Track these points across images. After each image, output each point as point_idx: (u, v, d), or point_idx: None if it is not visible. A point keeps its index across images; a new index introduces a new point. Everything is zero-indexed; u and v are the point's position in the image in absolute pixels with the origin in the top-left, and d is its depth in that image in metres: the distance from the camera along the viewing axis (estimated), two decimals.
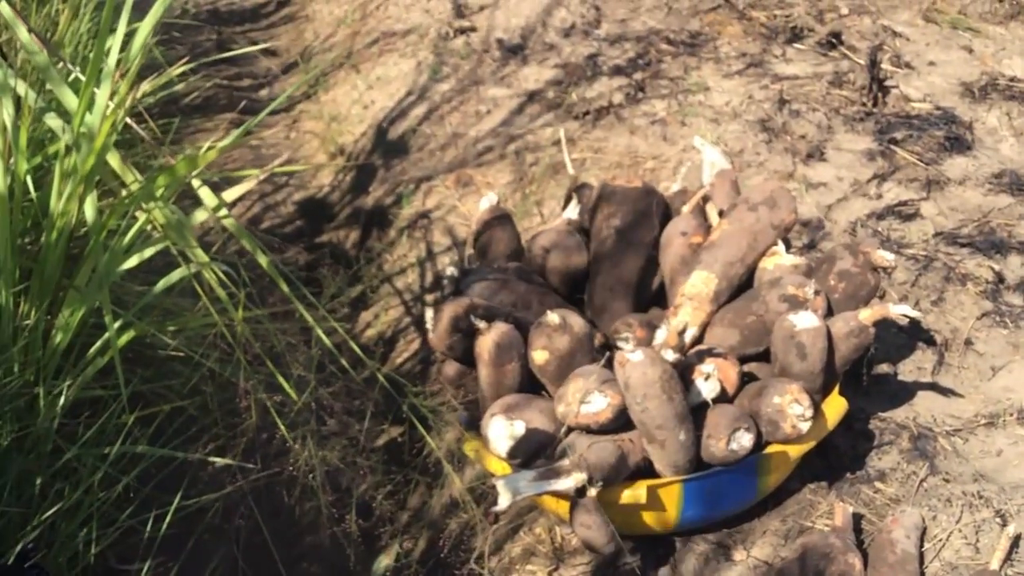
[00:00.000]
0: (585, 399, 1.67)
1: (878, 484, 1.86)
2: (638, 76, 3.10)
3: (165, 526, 1.68)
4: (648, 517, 1.76)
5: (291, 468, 1.76)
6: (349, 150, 3.17)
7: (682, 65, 3.16)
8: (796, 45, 3.28)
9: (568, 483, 1.63)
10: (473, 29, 3.44)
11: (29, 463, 1.66)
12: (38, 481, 1.65)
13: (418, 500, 1.97)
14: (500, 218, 2.11)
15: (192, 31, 3.68)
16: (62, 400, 1.67)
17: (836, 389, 1.81)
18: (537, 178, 2.78)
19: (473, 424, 1.85)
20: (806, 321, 1.72)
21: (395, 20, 3.59)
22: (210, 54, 3.28)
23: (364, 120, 3.23)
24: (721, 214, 1.98)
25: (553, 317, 1.75)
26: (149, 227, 1.73)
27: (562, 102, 3.06)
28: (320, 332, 1.69)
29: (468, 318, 1.78)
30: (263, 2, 4.06)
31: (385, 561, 2.01)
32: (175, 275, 1.67)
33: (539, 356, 1.77)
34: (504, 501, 1.60)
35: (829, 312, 1.83)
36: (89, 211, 1.67)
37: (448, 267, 1.96)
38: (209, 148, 1.69)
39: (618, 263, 1.99)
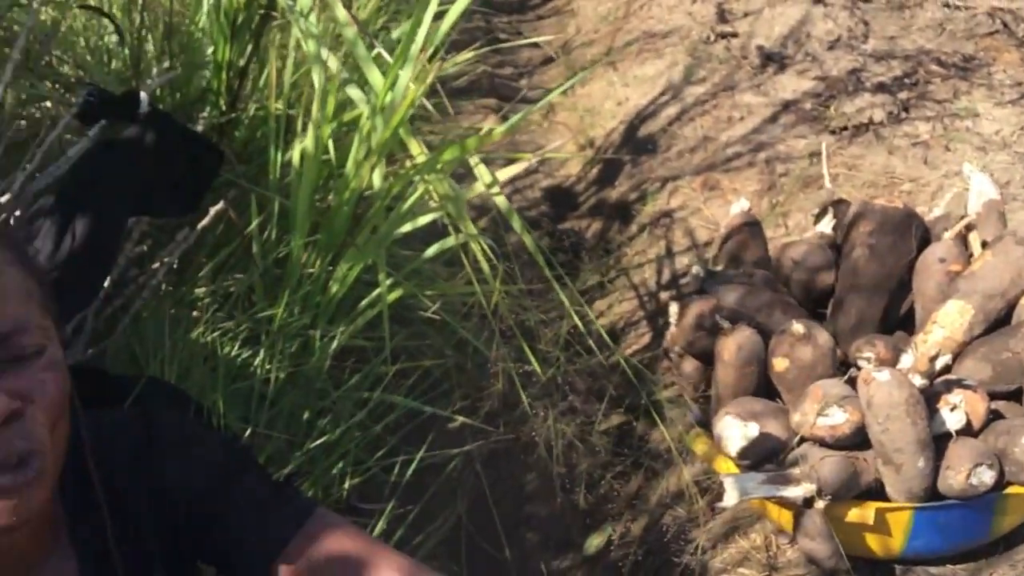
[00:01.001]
0: (824, 411, 1.68)
1: None
2: (903, 95, 3.02)
3: (409, 473, 1.82)
4: (872, 540, 1.75)
5: (535, 435, 1.86)
6: (599, 143, 3.26)
7: (951, 88, 3.05)
8: None
9: (797, 492, 1.65)
10: (734, 34, 3.44)
11: (299, 398, 1.84)
12: (305, 416, 1.83)
13: (639, 487, 2.03)
14: (750, 224, 2.13)
15: (463, 16, 3.87)
16: (334, 344, 1.84)
17: None
18: (786, 189, 2.77)
19: (704, 421, 1.89)
20: None
21: (657, 20, 3.65)
22: (479, 40, 3.45)
23: (616, 116, 3.30)
24: (984, 245, 1.93)
25: (798, 327, 1.77)
26: (426, 197, 1.87)
27: (818, 115, 3.03)
28: (572, 313, 1.78)
29: (713, 317, 1.83)
30: None
31: (597, 540, 2.08)
32: (448, 242, 1.81)
33: (780, 363, 1.79)
34: (731, 499, 1.63)
35: None
36: (377, 177, 1.83)
37: (694, 266, 2.01)
38: (489, 130, 1.81)
39: (868, 283, 1.97)
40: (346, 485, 1.78)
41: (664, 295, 2.57)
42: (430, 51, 1.67)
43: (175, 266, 1.82)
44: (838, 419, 1.68)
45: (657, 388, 1.95)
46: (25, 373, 0.91)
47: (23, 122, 1.96)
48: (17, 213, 1.60)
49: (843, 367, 1.86)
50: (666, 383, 2.14)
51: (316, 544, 1.07)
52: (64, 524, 1.07)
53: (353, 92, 1.82)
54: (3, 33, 1.80)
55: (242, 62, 2.05)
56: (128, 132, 1.61)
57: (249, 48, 2.05)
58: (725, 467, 1.80)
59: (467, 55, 1.98)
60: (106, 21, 2.18)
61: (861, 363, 1.85)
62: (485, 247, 1.77)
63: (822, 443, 1.70)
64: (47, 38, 1.95)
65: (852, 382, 1.71)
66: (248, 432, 1.72)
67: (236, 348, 1.77)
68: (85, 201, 1.53)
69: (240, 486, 1.13)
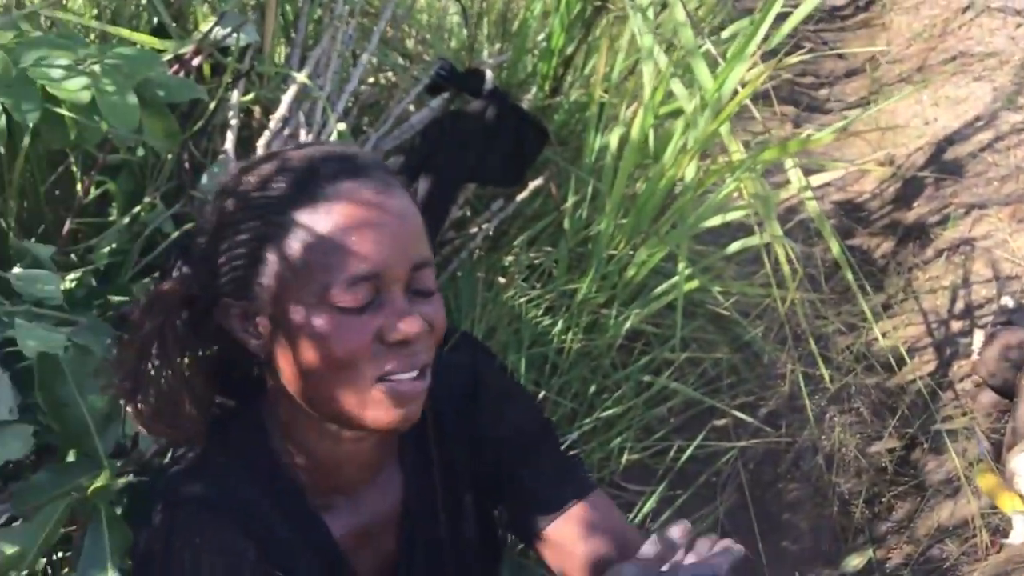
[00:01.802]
0: None
1: None
2: None
3: (682, 461, 1.88)
4: None
5: (824, 440, 1.86)
6: (899, 162, 3.16)
7: None
8: None
9: None
10: None
11: (587, 372, 1.94)
12: (591, 390, 1.92)
13: (913, 512, 1.99)
14: None
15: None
16: (626, 325, 1.92)
17: None
18: None
19: (993, 456, 1.83)
20: None
21: (976, 42, 3.48)
22: (785, 47, 3.42)
23: (922, 136, 3.19)
24: None
25: None
26: (735, 194, 1.91)
27: None
28: (875, 326, 1.77)
29: (1021, 351, 1.76)
30: (842, 4, 4.11)
31: (855, 561, 2.05)
32: (751, 241, 1.84)
33: None
34: (1020, 536, 1.58)
35: None
36: (691, 171, 1.88)
37: (1004, 297, 1.94)
38: (808, 135, 1.82)
39: None
40: (623, 460, 1.85)
41: (956, 324, 2.47)
42: (774, 53, 1.70)
43: (490, 233, 1.96)
44: None
45: (955, 415, 1.89)
46: (430, 304, 1.04)
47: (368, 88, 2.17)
48: None
49: None
50: (962, 411, 2.07)
51: (591, 517, 1.16)
52: (395, 447, 1.20)
53: (678, 88, 1.88)
54: (370, 9, 2.00)
55: (569, 50, 2.17)
56: (473, 106, 1.76)
57: (578, 38, 2.16)
58: (1011, 504, 1.73)
59: (791, 60, 1.99)
60: (450, 2, 2.37)
61: None
62: (790, 250, 1.79)
63: None
64: (403, 14, 2.14)
65: None
66: (540, 396, 1.83)
67: (538, 316, 1.88)
68: (431, 164, 1.68)
69: (539, 449, 1.23)
